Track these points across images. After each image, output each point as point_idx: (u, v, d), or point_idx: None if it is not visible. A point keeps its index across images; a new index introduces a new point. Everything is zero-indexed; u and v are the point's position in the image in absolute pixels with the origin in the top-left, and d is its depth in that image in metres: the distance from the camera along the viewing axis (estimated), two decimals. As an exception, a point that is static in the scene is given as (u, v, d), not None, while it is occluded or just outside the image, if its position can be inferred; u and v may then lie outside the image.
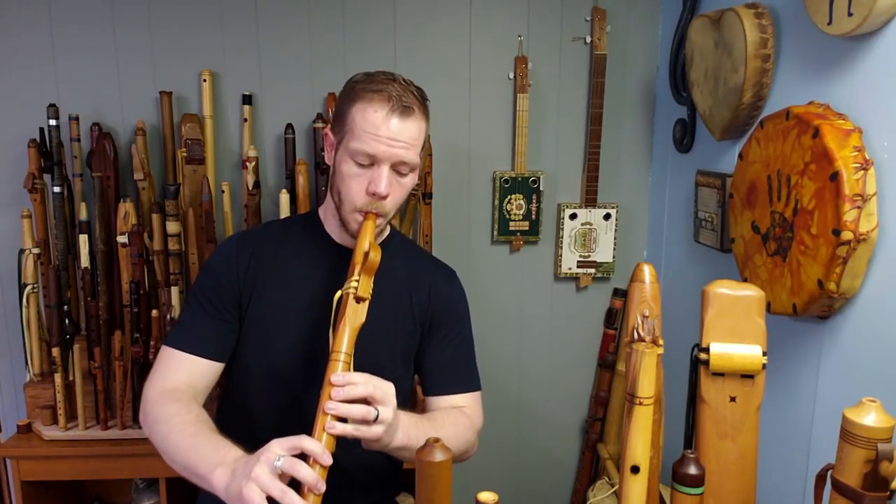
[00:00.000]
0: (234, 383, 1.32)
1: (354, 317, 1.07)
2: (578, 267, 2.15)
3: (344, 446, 1.05)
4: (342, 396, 0.99)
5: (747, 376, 1.00)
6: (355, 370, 1.05)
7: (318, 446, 0.96)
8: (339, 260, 1.26)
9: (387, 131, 1.14)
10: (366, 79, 1.20)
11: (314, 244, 1.32)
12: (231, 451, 1.01)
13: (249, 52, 1.95)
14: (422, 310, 1.34)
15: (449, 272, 1.42)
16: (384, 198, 1.18)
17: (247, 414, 1.29)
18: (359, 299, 1.08)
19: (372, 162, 1.16)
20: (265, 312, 1.26)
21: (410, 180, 1.22)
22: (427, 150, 1.96)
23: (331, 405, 0.99)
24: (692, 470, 0.92)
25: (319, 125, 1.90)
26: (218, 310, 1.25)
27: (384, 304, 1.25)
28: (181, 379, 1.19)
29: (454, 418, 1.29)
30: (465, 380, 1.37)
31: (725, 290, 1.01)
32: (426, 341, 1.35)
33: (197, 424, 1.08)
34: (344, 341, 1.05)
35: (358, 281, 1.08)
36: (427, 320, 1.34)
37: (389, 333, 1.30)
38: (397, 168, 1.18)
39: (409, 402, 1.38)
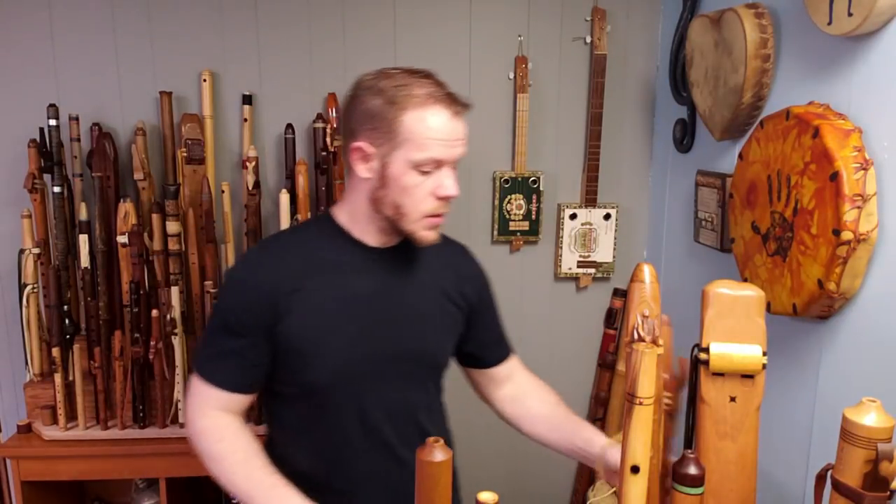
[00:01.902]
0: (281, 412, 1.24)
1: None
2: (578, 267, 2.14)
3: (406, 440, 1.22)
4: None
5: (747, 376, 1.00)
6: None
7: None
8: (382, 262, 1.21)
9: (453, 133, 1.13)
10: (400, 82, 1.13)
11: (349, 254, 1.20)
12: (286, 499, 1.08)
13: (249, 52, 1.94)
14: (458, 294, 1.31)
15: (463, 248, 1.39)
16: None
17: (303, 439, 1.22)
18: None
19: (436, 166, 1.12)
20: (309, 330, 1.15)
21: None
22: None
23: None
24: (692, 470, 0.92)
25: (319, 125, 1.90)
26: (251, 334, 1.15)
27: (428, 294, 1.25)
28: (218, 409, 1.17)
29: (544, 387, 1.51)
30: (509, 340, 1.47)
31: (725, 290, 1.01)
32: (473, 320, 1.34)
33: (247, 465, 1.11)
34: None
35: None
36: (466, 303, 1.32)
37: (443, 322, 1.29)
38: (455, 164, 1.17)
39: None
